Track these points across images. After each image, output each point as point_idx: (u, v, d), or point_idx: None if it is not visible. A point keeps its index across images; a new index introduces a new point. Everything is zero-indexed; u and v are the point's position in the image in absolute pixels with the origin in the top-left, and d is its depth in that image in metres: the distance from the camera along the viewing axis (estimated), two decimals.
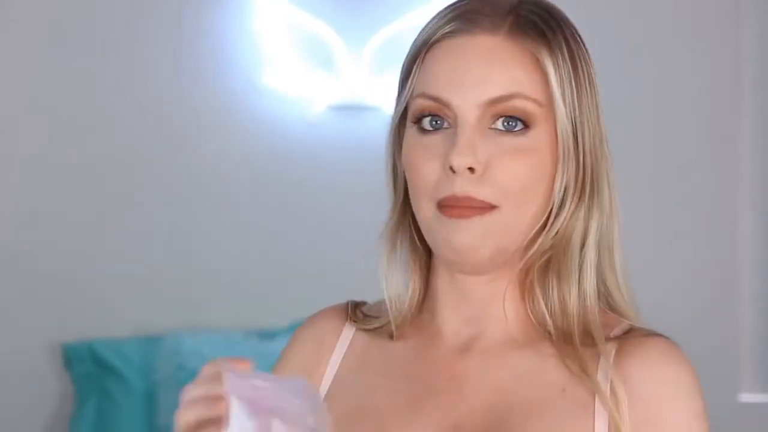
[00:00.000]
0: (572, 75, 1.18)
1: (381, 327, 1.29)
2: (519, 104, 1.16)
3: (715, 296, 3.56)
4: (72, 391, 3.35)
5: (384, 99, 3.44)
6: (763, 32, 3.58)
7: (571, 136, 1.18)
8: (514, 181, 1.16)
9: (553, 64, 1.17)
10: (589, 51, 1.23)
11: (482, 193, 1.16)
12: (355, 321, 1.31)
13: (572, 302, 1.20)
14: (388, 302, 1.26)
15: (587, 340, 1.19)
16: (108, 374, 3.27)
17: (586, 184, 1.20)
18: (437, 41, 1.19)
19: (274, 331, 3.36)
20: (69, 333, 3.35)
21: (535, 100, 1.17)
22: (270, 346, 3.28)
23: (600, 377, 1.17)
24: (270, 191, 3.46)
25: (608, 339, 1.20)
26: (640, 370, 1.17)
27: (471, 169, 1.15)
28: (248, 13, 3.45)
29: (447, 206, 1.17)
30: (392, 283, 1.26)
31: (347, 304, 1.33)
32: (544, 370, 1.20)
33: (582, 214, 1.20)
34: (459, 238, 1.17)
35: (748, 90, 3.58)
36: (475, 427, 1.19)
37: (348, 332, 1.31)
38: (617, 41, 3.49)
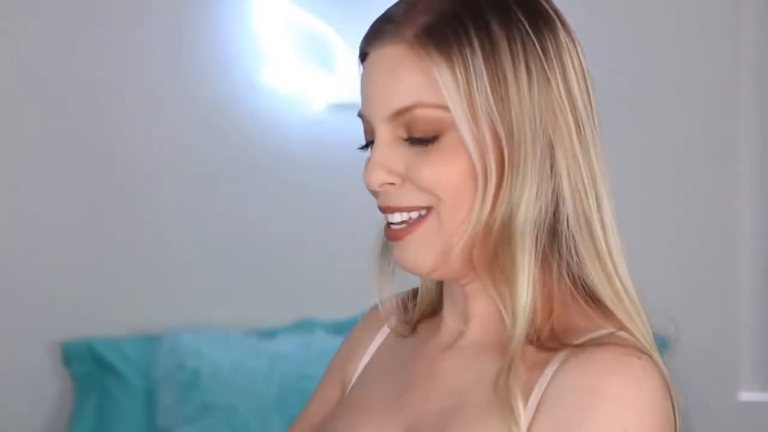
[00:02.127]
0: (485, 68, 1.12)
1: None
2: (420, 114, 1.13)
3: (714, 296, 3.56)
4: (71, 390, 3.34)
5: None
6: (763, 32, 3.58)
7: (487, 133, 1.12)
8: (437, 183, 1.13)
9: (450, 71, 1.12)
10: (547, 20, 1.15)
11: (407, 200, 1.15)
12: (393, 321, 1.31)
13: (519, 301, 1.11)
14: (379, 305, 1.28)
15: (551, 343, 1.12)
16: (107, 373, 3.27)
17: (509, 166, 1.12)
18: (363, 58, 1.20)
19: (274, 331, 3.35)
20: (68, 331, 3.35)
21: (438, 106, 1.13)
22: (269, 345, 3.27)
23: (537, 388, 1.10)
24: (269, 190, 3.45)
25: (567, 346, 1.11)
26: (571, 380, 1.08)
27: (392, 184, 1.15)
28: (248, 12, 3.44)
29: (388, 227, 1.17)
30: (385, 288, 1.27)
31: (397, 302, 1.32)
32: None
33: (506, 196, 1.12)
34: (398, 255, 1.18)
35: (748, 90, 3.58)
36: (425, 430, 1.16)
37: (383, 334, 1.33)
38: (617, 41, 3.49)
